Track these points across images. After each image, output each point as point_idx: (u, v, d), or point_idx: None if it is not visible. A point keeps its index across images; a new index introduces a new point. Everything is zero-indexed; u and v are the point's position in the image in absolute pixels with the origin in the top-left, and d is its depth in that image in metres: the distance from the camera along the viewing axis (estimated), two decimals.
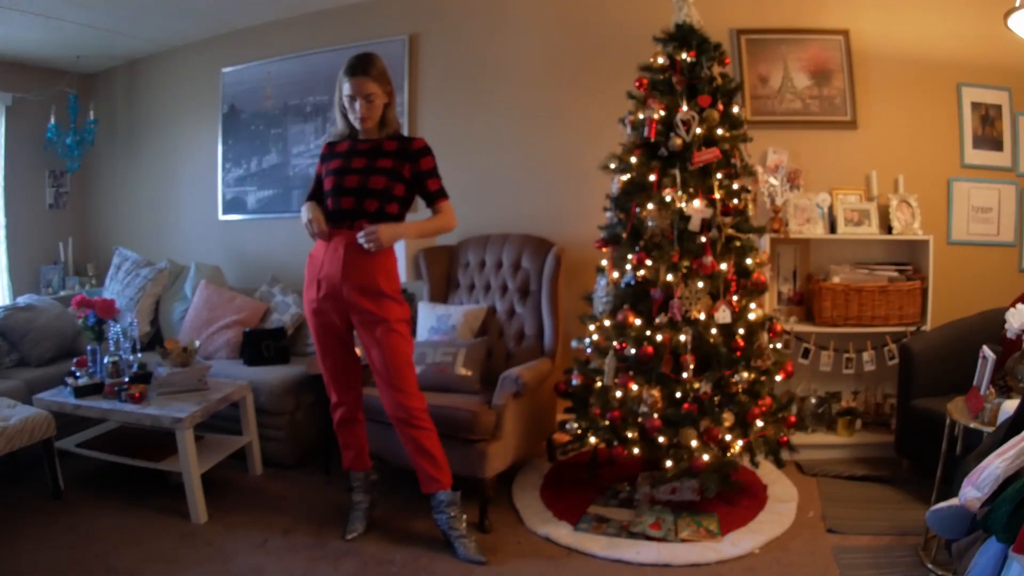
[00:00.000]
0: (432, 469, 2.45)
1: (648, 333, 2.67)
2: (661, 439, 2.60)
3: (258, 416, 3.21)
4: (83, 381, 2.97)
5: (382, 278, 2.40)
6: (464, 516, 2.50)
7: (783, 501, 2.78)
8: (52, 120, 4.49)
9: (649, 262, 2.72)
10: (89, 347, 3.10)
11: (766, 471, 2.98)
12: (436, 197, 2.49)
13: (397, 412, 2.43)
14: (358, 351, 2.59)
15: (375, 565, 2.38)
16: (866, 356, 3.33)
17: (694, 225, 2.66)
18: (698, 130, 2.69)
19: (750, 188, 2.85)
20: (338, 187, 2.41)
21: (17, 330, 3.58)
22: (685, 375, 2.63)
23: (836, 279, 3.28)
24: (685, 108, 2.71)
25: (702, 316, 2.65)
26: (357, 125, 2.44)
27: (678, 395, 2.62)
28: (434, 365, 3.01)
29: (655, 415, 2.60)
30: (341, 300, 2.41)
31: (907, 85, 3.43)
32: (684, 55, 2.77)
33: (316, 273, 2.45)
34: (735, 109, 2.81)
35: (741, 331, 2.66)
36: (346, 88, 2.40)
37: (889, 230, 3.29)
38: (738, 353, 2.65)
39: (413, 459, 2.47)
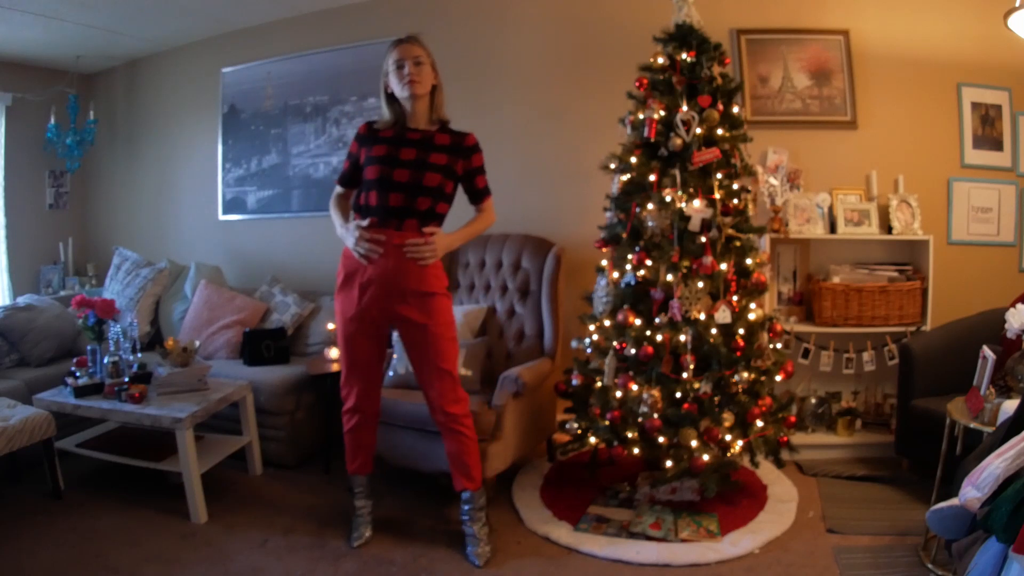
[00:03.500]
0: (463, 475, 2.44)
1: (648, 333, 2.67)
2: (661, 439, 2.60)
3: (258, 416, 3.21)
4: (83, 381, 2.97)
5: (433, 277, 2.35)
6: (483, 518, 2.48)
7: (783, 501, 2.78)
8: (52, 120, 4.49)
9: (649, 262, 2.72)
10: (89, 347, 3.10)
11: (766, 471, 2.98)
12: (484, 195, 2.46)
13: (441, 418, 2.40)
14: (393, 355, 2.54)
15: (375, 565, 2.38)
16: (866, 356, 3.32)
17: (694, 225, 2.66)
18: (698, 130, 2.69)
19: (750, 188, 2.85)
20: (386, 180, 2.26)
21: (17, 330, 3.58)
22: (685, 375, 2.62)
23: (836, 279, 3.28)
24: (685, 108, 2.71)
25: (702, 316, 2.65)
26: (406, 91, 2.27)
27: (678, 395, 2.62)
28: None
29: (655, 415, 2.59)
30: (385, 302, 2.32)
31: (907, 85, 3.43)
32: (684, 55, 2.77)
33: (356, 274, 2.34)
34: (735, 109, 2.81)
35: (741, 331, 2.66)
36: (393, 56, 2.28)
37: (889, 230, 3.29)
38: (738, 353, 2.65)
39: (449, 459, 2.46)
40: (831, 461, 3.19)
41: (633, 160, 2.79)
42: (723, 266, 2.69)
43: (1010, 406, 2.07)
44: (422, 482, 2.99)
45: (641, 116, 2.80)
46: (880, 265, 3.33)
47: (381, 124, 2.38)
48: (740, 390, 2.67)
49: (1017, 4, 2.50)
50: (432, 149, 2.31)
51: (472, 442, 2.44)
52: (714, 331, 2.63)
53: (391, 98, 2.35)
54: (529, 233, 3.45)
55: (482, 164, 2.42)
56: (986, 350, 2.42)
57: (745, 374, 2.66)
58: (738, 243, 2.76)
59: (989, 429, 2.13)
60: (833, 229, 3.34)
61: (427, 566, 2.38)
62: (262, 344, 3.58)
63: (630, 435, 2.66)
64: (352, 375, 2.47)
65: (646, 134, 2.75)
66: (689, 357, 2.62)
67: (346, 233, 2.36)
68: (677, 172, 2.71)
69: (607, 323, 2.84)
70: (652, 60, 2.84)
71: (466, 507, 2.47)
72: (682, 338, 2.62)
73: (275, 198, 4.43)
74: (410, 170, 2.27)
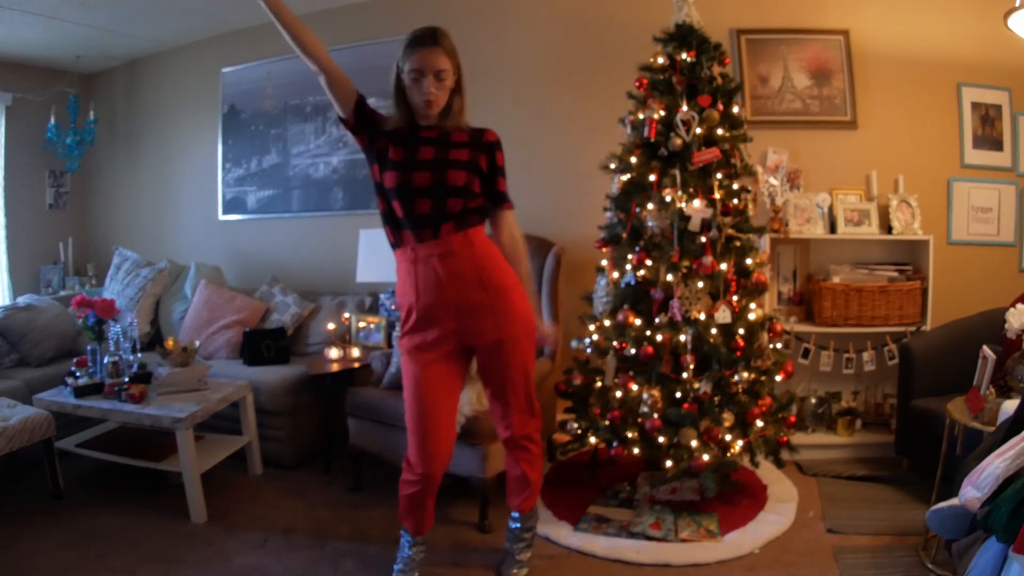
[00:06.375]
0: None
1: (648, 333, 2.67)
2: (661, 439, 2.60)
3: (258, 416, 3.21)
4: (83, 381, 2.97)
5: (497, 269, 2.07)
6: (531, 541, 2.39)
7: (783, 501, 2.77)
8: (52, 120, 4.49)
9: (649, 262, 2.72)
10: (89, 347, 3.10)
11: (766, 471, 2.98)
12: (504, 199, 2.13)
13: (516, 435, 2.23)
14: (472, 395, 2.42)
15: (375, 565, 2.38)
16: (866, 356, 3.32)
17: (694, 225, 2.66)
18: (698, 130, 2.69)
19: (750, 188, 2.85)
20: (406, 188, 1.97)
21: (17, 330, 3.58)
22: (685, 375, 2.63)
23: (836, 279, 3.28)
24: (685, 108, 2.71)
25: (702, 316, 2.65)
26: (421, 109, 2.00)
27: (678, 395, 2.62)
28: None
29: (655, 415, 2.60)
30: (452, 325, 2.04)
31: (907, 85, 3.43)
32: (684, 55, 2.77)
33: (412, 304, 2.05)
34: (735, 109, 2.81)
35: (741, 331, 2.66)
36: (411, 63, 1.95)
37: (889, 230, 3.29)
38: (738, 353, 2.65)
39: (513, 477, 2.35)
40: (831, 461, 3.19)
41: (633, 160, 2.79)
42: (723, 266, 2.69)
43: (1010, 406, 2.07)
44: None
45: (641, 116, 2.80)
46: (880, 265, 3.33)
47: (391, 124, 2.06)
48: (740, 390, 2.67)
49: (1017, 4, 2.50)
50: (451, 145, 2.04)
51: (539, 459, 2.33)
52: (714, 331, 2.63)
53: (402, 96, 2.03)
54: (529, 233, 3.42)
55: (504, 164, 2.12)
56: (986, 350, 2.42)
57: (745, 374, 2.66)
58: (738, 243, 2.76)
59: (989, 429, 2.13)
60: (833, 229, 3.34)
61: (427, 566, 2.38)
62: (262, 344, 3.57)
63: (630, 435, 2.66)
64: (422, 429, 2.08)
65: (646, 134, 2.75)
66: (689, 357, 2.62)
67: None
68: (677, 172, 2.71)
69: (607, 323, 2.84)
70: (652, 60, 2.84)
71: (516, 527, 2.37)
72: (682, 338, 2.62)
73: (275, 198, 4.43)
74: (431, 172, 1.99)
